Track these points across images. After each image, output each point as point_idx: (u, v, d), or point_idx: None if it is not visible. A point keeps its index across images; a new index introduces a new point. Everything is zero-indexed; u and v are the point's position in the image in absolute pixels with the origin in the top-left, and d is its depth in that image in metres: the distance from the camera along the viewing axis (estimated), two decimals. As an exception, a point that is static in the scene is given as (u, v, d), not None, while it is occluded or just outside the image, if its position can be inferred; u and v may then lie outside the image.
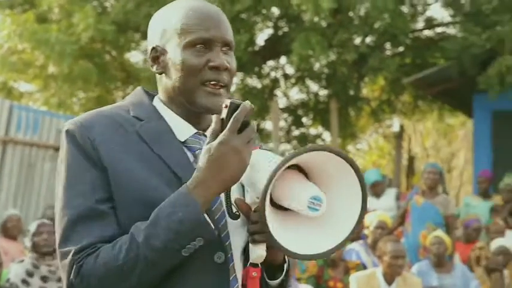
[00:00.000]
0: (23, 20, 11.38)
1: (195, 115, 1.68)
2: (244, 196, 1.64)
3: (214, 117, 1.55)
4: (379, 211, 7.03)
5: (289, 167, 1.49)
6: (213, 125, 1.55)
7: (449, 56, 10.97)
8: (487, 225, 7.98)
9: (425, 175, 7.37)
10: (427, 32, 13.27)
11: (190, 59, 1.64)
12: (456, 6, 11.86)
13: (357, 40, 11.87)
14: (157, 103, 1.71)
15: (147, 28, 1.76)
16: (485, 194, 8.93)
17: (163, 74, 1.69)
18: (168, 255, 1.50)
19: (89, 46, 11.90)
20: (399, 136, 13.66)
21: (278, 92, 14.75)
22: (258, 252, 1.59)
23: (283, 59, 13.86)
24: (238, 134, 1.51)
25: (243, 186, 1.63)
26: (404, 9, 12.00)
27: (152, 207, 1.52)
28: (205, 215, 1.51)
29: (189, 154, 1.65)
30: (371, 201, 8.26)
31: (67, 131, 1.63)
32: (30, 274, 4.98)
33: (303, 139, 14.75)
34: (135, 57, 15.06)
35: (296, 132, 14.96)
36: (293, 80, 14.56)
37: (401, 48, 12.79)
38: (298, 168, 1.52)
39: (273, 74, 14.32)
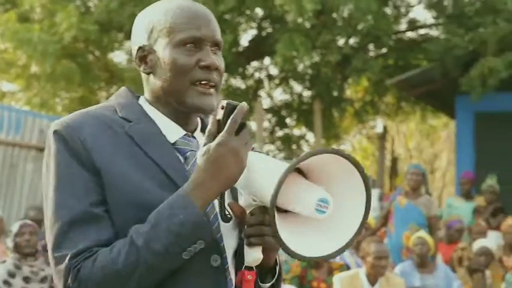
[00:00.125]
0: (4, 20, 11.30)
1: (183, 116, 1.66)
2: (232, 198, 1.63)
3: (210, 118, 1.54)
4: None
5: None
6: (209, 126, 1.53)
7: (432, 58, 11.03)
8: (470, 226, 8.03)
9: (409, 176, 7.40)
10: (410, 34, 13.34)
11: (181, 58, 1.61)
12: (439, 8, 11.93)
13: (341, 41, 11.90)
14: (144, 104, 1.68)
15: (131, 28, 1.74)
16: (467, 195, 8.98)
17: (151, 74, 1.66)
18: (169, 259, 1.47)
19: (72, 46, 11.83)
20: (382, 137, 13.72)
21: (262, 93, 14.77)
22: (255, 255, 1.58)
23: (267, 60, 13.88)
24: (235, 135, 1.50)
25: (231, 189, 1.62)
26: (388, 10, 12.05)
27: (147, 210, 1.50)
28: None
29: (179, 156, 1.63)
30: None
31: (55, 132, 1.58)
32: (12, 275, 4.95)
33: (287, 140, 14.78)
34: (118, 57, 15.01)
35: (280, 133, 14.99)
36: (277, 81, 14.58)
37: (384, 50, 12.84)
38: (297, 170, 1.51)
39: (256, 74, 14.33)
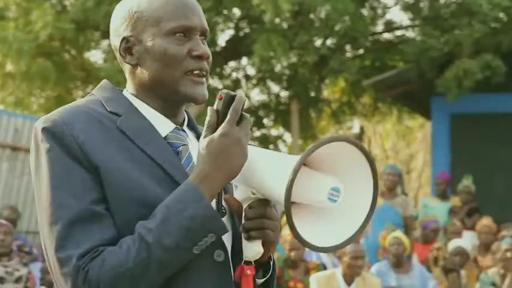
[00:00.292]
0: (-21, 18, 11.17)
1: (171, 108, 1.62)
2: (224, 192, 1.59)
3: (209, 109, 1.51)
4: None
5: None
6: (208, 118, 1.50)
7: (408, 59, 11.09)
8: (445, 226, 8.09)
9: (385, 176, 7.44)
10: (387, 35, 13.40)
11: (172, 48, 1.57)
12: (415, 9, 12.00)
13: (318, 42, 11.92)
14: (129, 97, 1.63)
15: (108, 27, 1.70)
16: (443, 196, 9.05)
17: (138, 66, 1.60)
18: (180, 254, 1.43)
19: (48, 44, 11.72)
20: (359, 137, 13.79)
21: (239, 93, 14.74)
22: (255, 249, 1.54)
23: (244, 60, 13.87)
24: (237, 125, 1.48)
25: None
26: (365, 12, 12.10)
27: (148, 206, 1.46)
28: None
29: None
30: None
31: (45, 129, 1.50)
32: (-15, 276, 4.89)
33: (264, 140, 14.78)
34: (95, 56, 14.92)
35: (257, 133, 14.99)
36: (254, 81, 14.57)
37: (361, 51, 12.89)
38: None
39: (234, 74, 14.32)
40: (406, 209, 7.30)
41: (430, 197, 9.84)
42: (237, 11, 12.59)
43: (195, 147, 1.62)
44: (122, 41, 1.61)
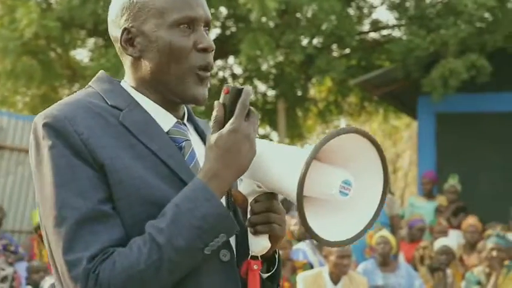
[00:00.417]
0: (-37, 15, 11.09)
1: (172, 102, 1.56)
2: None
3: (216, 104, 1.46)
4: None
5: None
6: (215, 112, 1.45)
7: (395, 59, 11.12)
8: (431, 225, 8.13)
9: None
10: (373, 35, 13.44)
11: (177, 40, 1.50)
12: (401, 9, 12.04)
13: (304, 41, 11.93)
14: (129, 89, 1.56)
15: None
16: (429, 195, 9.09)
17: (141, 58, 1.53)
18: (191, 255, 1.39)
19: (33, 43, 11.65)
20: (345, 137, 13.78)
21: (226, 92, 14.73)
22: (263, 244, 1.51)
23: (231, 59, 13.86)
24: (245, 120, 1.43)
25: None
26: (351, 11, 12.12)
27: (155, 204, 1.42)
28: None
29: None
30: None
31: (46, 125, 1.43)
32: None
33: (250, 139, 14.76)
34: (80, 54, 14.84)
35: (243, 132, 14.97)
36: (241, 80, 14.56)
37: (347, 50, 12.91)
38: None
39: (221, 73, 14.30)
40: (393, 208, 7.32)
41: (416, 196, 9.88)
42: (223, 10, 12.58)
43: (197, 142, 1.59)
44: (123, 32, 1.54)
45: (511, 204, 8.27)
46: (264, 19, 10.59)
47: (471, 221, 7.48)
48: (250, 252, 1.52)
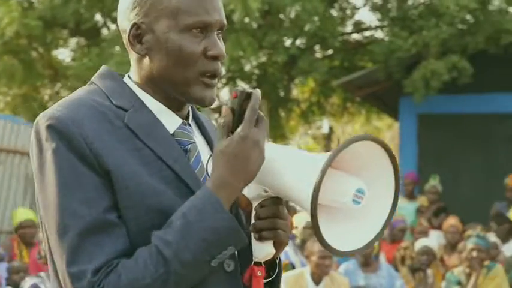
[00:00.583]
0: None
1: (177, 101, 1.50)
2: None
3: (223, 108, 1.41)
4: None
5: None
6: (223, 117, 1.40)
7: (377, 60, 11.17)
8: (412, 226, 8.17)
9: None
10: (356, 36, 13.49)
11: (188, 45, 1.44)
12: (383, 10, 12.09)
13: (287, 42, 11.95)
14: (133, 86, 1.50)
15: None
16: (410, 196, 9.13)
17: (147, 56, 1.47)
18: (198, 268, 1.35)
19: (15, 42, 11.57)
20: (328, 137, 13.85)
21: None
22: (267, 250, 1.47)
23: (214, 59, 13.84)
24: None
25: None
26: (334, 12, 12.15)
27: (162, 213, 1.37)
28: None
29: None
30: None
31: (49, 127, 1.36)
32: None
33: (233, 140, 14.76)
34: (62, 54, 14.76)
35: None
36: (224, 81, 14.56)
37: (330, 51, 12.95)
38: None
39: (203, 74, 14.29)
40: (374, 209, 7.34)
41: (398, 197, 9.91)
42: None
43: (202, 144, 1.55)
44: (133, 26, 1.47)
45: (491, 205, 8.33)
46: (247, 20, 10.60)
47: (452, 221, 7.53)
48: (253, 258, 1.49)
